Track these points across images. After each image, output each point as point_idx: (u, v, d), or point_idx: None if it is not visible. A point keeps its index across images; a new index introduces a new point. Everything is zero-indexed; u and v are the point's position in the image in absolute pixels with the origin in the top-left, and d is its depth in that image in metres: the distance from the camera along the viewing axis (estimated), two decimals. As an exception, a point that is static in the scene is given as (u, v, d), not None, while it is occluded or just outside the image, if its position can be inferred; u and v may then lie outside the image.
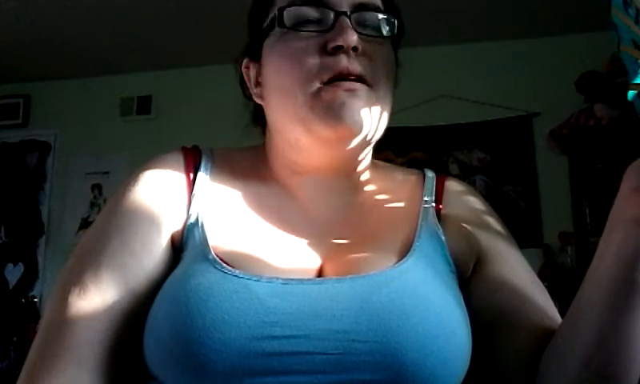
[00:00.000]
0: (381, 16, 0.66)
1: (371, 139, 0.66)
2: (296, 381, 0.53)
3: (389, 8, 0.69)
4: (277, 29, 0.65)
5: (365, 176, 0.72)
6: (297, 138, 0.66)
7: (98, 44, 2.95)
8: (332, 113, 0.62)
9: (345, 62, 0.62)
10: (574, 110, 2.63)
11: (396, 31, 0.67)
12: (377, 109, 0.64)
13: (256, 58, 0.70)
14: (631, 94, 0.53)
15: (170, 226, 0.64)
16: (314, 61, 0.63)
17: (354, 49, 0.62)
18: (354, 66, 0.62)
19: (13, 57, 3.05)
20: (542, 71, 2.82)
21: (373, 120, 0.64)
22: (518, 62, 2.88)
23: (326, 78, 0.62)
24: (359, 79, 0.63)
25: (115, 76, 3.25)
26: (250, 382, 0.52)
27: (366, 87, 0.63)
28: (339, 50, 0.62)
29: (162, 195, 0.65)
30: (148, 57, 3.09)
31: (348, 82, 0.62)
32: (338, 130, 0.62)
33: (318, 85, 0.62)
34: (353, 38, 0.62)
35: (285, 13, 0.64)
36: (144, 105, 3.23)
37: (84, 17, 2.71)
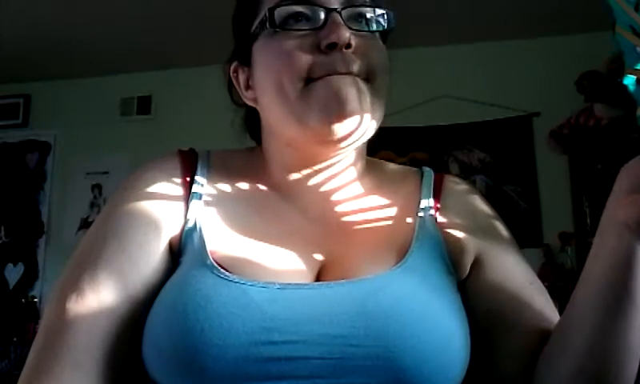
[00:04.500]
0: (372, 10, 0.65)
1: (365, 131, 0.64)
2: (294, 386, 0.52)
3: (379, 1, 0.67)
4: (267, 29, 0.64)
5: (362, 177, 0.71)
6: (291, 137, 0.65)
7: (98, 44, 2.95)
8: (326, 100, 0.61)
9: (339, 61, 0.61)
10: (574, 110, 2.63)
11: (387, 25, 0.66)
12: (372, 100, 0.63)
13: (245, 61, 0.69)
14: (629, 79, 0.51)
15: (167, 230, 0.63)
16: (306, 59, 0.62)
17: (348, 46, 0.61)
18: (348, 64, 0.61)
19: (13, 57, 3.05)
20: (541, 71, 2.82)
21: (366, 109, 0.62)
22: (518, 62, 2.89)
23: (318, 75, 0.61)
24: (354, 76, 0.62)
25: (115, 76, 3.26)
26: (249, 388, 0.52)
27: (361, 80, 0.62)
28: (333, 48, 0.61)
29: (159, 200, 0.64)
30: (148, 57, 3.09)
31: (339, 75, 0.61)
32: (331, 116, 0.61)
33: (308, 81, 0.61)
34: (345, 35, 0.61)
35: (275, 12, 0.63)
36: (144, 105, 3.23)
37: (84, 17, 2.71)
